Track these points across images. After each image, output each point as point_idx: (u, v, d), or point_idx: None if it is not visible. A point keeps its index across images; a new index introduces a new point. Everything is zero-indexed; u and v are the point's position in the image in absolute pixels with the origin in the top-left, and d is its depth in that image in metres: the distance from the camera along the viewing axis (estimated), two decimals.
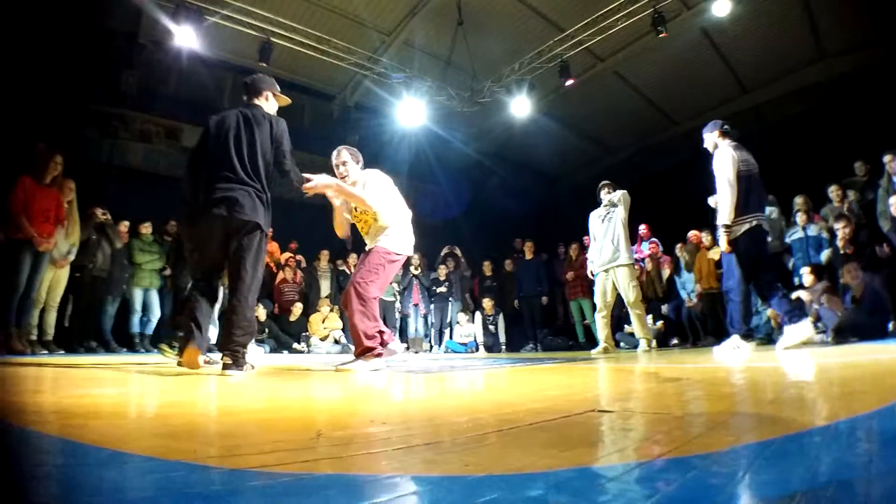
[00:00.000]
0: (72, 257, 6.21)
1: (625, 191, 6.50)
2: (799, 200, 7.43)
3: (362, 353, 3.71)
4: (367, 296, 3.77)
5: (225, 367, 3.07)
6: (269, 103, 3.54)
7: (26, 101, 7.30)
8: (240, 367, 3.07)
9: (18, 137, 5.14)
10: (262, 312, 8.51)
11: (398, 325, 9.92)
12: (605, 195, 6.58)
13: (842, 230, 6.47)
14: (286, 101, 3.66)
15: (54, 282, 6.06)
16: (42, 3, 7.45)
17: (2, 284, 5.30)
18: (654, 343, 6.55)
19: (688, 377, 2.59)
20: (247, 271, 3.16)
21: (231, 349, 3.09)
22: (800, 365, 3.05)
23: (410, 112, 9.90)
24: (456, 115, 10.89)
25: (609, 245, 6.26)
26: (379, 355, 3.74)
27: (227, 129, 3.29)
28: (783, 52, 9.58)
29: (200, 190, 3.22)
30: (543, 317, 10.13)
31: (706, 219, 8.09)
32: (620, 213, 6.32)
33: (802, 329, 4.47)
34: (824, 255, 6.93)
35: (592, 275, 6.54)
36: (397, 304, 9.76)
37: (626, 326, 7.90)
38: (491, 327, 9.71)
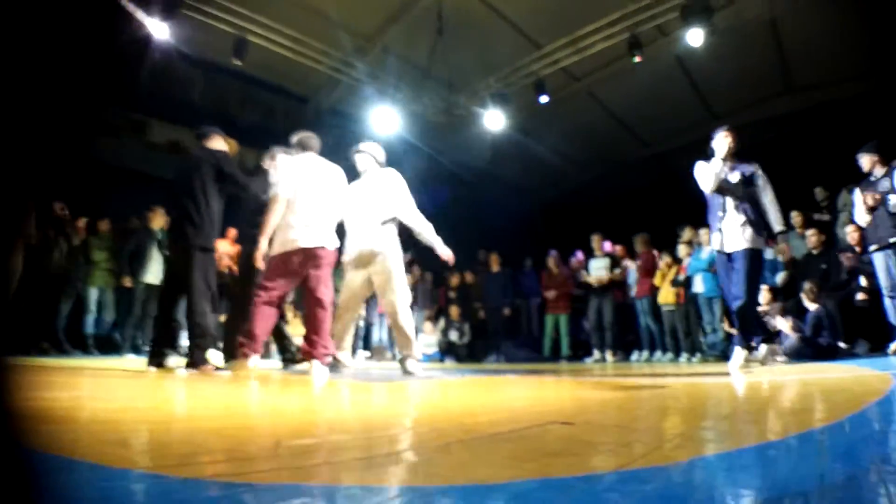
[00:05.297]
0: None
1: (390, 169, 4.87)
2: None
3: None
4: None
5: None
6: (215, 142, 4.25)
7: None
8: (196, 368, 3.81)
9: None
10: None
11: (363, 333, 9.82)
12: (360, 162, 4.86)
13: (817, 236, 6.87)
14: (235, 147, 4.52)
15: None
16: None
17: None
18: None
19: (648, 390, 2.63)
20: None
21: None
22: (754, 382, 3.13)
23: (385, 120, 9.86)
24: (430, 125, 10.89)
25: (373, 233, 4.48)
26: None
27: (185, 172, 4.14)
28: (753, 84, 9.90)
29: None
30: (508, 328, 10.15)
31: (672, 237, 8.33)
32: (400, 197, 4.70)
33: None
34: (780, 277, 7.26)
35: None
36: (361, 313, 9.62)
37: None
38: (455, 333, 9.72)
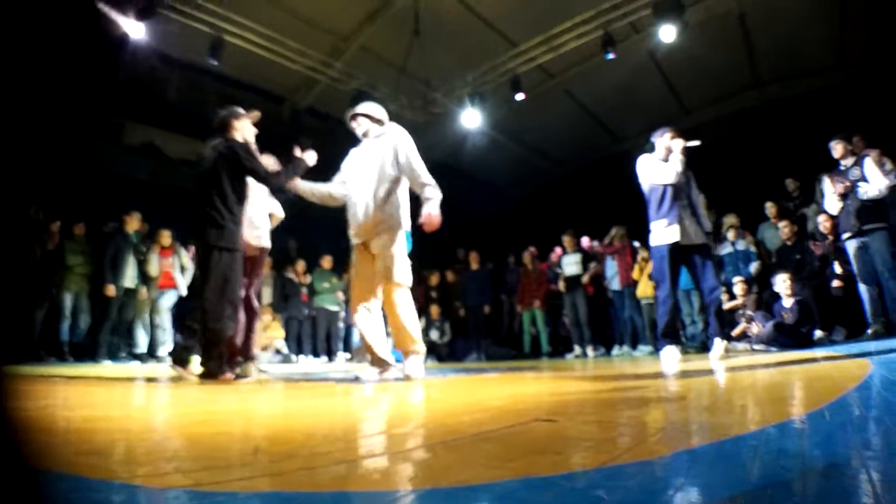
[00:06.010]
0: None
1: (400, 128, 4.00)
2: (730, 219, 7.92)
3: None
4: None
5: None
6: (239, 129, 3.88)
7: None
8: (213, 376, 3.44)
9: None
10: None
11: (342, 334, 9.75)
12: (358, 126, 4.05)
13: (789, 227, 7.05)
14: (255, 115, 4.08)
15: None
16: None
17: None
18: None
19: (628, 385, 2.64)
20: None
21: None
22: (733, 373, 3.17)
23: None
24: (407, 123, 10.83)
25: (372, 200, 3.80)
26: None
27: (203, 165, 3.74)
28: (723, 78, 10.12)
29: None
30: (488, 326, 10.17)
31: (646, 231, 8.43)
32: (400, 153, 3.84)
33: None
34: (753, 267, 7.40)
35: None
36: (342, 314, 9.52)
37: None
38: (436, 332, 9.70)
